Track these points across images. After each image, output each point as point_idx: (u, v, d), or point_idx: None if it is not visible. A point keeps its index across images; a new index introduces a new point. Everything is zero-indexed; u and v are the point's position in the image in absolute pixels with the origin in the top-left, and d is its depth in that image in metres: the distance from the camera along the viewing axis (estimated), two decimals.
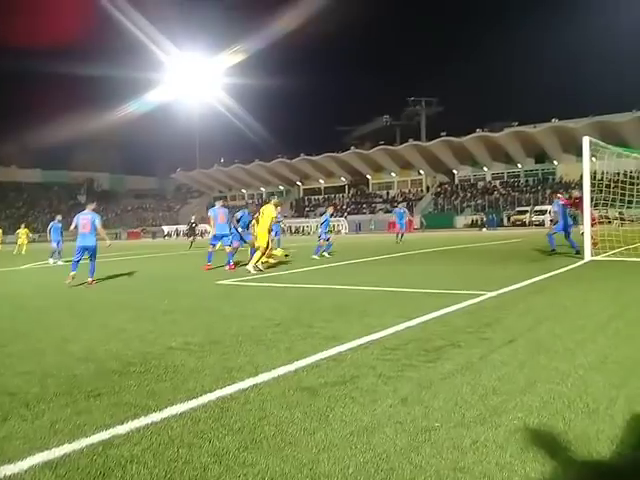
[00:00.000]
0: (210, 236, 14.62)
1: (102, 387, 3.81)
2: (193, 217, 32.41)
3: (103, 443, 2.85)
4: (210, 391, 3.62)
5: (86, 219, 11.05)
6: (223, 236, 13.93)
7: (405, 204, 50.48)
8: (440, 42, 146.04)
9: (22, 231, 28.47)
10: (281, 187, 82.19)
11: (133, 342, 5.24)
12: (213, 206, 14.56)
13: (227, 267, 13.27)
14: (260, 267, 12.48)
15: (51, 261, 19.08)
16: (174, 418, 3.17)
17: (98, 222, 11.07)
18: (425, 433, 2.84)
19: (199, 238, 34.50)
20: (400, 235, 25.29)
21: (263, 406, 3.31)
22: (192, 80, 76.59)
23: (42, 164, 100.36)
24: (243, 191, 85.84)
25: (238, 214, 14.30)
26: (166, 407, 3.35)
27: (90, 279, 11.00)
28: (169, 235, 64.80)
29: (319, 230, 17.45)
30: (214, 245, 14.28)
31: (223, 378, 3.92)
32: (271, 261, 13.75)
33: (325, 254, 16.54)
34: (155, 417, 3.19)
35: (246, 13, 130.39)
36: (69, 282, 10.63)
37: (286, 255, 15.60)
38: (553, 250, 14.36)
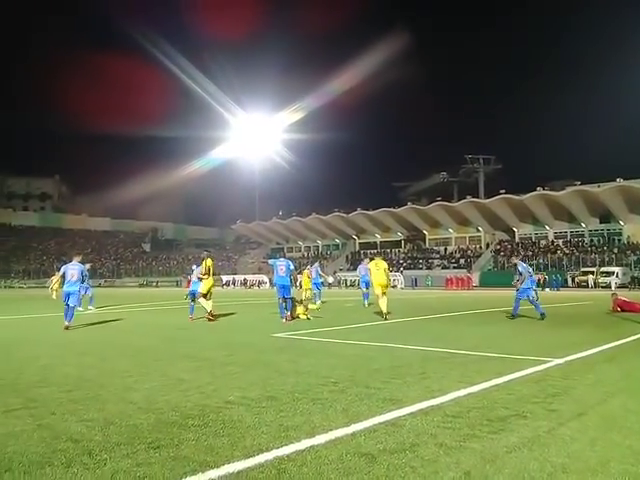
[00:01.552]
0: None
1: (162, 439, 3.85)
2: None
3: None
4: (267, 450, 3.59)
5: (74, 269, 12.54)
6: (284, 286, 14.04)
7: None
8: (499, 99, 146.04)
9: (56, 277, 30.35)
10: (337, 240, 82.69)
11: (192, 394, 5.29)
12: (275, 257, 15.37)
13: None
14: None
15: (91, 308, 19.07)
16: (231, 477, 3.16)
17: (85, 272, 12.93)
18: None
19: (256, 288, 34.32)
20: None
21: (320, 470, 3.25)
22: (254, 137, 79.85)
23: (111, 213, 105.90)
24: (300, 243, 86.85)
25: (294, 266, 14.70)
26: (224, 464, 3.33)
27: (67, 323, 12.01)
28: (227, 284, 65.93)
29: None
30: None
31: (280, 437, 3.88)
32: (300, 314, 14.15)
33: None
34: (213, 474, 3.19)
35: (305, 73, 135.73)
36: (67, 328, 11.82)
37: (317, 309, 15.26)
38: (514, 316, 14.19)
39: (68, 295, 12.37)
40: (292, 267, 14.38)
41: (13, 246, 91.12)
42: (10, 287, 66.47)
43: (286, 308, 13.89)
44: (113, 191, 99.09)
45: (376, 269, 14.86)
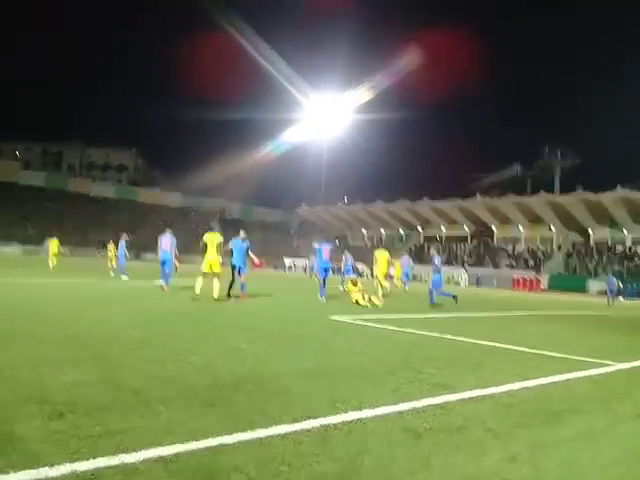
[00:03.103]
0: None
1: (216, 398, 4.02)
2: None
3: (211, 449, 3.00)
4: (314, 417, 3.68)
5: (167, 240, 14.79)
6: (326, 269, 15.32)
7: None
8: (583, 93, 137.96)
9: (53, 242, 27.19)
10: (401, 230, 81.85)
11: (248, 361, 5.48)
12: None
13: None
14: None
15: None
16: (278, 437, 3.26)
17: (174, 243, 14.87)
18: None
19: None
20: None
21: (365, 440, 3.31)
22: (323, 118, 79.85)
23: (183, 190, 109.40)
24: (363, 231, 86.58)
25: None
26: (272, 425, 3.45)
27: (165, 285, 14.19)
28: (290, 268, 66.88)
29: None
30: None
31: (328, 407, 3.96)
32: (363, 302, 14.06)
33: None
34: (261, 433, 3.30)
35: (376, 53, 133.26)
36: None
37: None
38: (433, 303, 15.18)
39: (163, 261, 14.55)
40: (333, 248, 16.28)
41: (91, 216, 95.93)
42: (85, 256, 70.14)
43: (322, 288, 14.94)
44: (186, 168, 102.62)
45: (381, 259, 16.89)
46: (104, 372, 4.62)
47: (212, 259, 12.63)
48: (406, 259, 24.74)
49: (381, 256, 16.93)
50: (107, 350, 5.63)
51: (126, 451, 2.88)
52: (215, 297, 12.23)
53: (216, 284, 12.38)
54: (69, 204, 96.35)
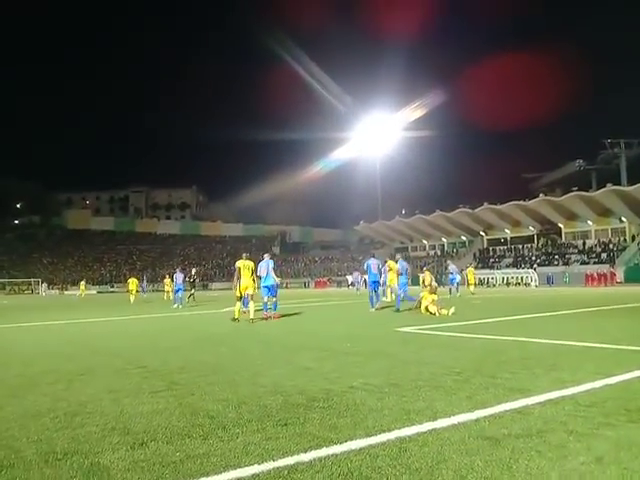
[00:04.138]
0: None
1: (289, 418, 4.06)
2: (194, 270, 31.92)
3: (288, 468, 3.03)
4: (389, 431, 3.65)
5: (262, 266, 13.84)
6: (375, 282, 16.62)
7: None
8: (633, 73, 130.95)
9: (131, 280, 31.19)
10: (463, 237, 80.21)
11: (317, 379, 5.50)
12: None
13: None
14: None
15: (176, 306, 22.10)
16: (353, 452, 3.25)
17: (271, 266, 14.06)
18: None
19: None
20: None
21: (441, 450, 3.24)
22: (375, 136, 79.92)
23: (242, 219, 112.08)
24: (424, 242, 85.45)
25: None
26: (346, 441, 3.45)
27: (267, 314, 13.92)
28: (353, 285, 66.72)
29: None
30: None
31: (401, 419, 3.92)
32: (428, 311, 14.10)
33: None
34: (336, 449, 3.31)
35: (427, 69, 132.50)
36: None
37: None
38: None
39: (267, 287, 13.96)
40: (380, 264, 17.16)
41: (159, 253, 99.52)
42: (156, 291, 72.52)
43: (377, 299, 16.57)
44: (243, 197, 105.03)
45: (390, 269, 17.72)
46: (180, 399, 4.76)
47: (247, 284, 13.44)
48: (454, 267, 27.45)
49: (391, 267, 17.89)
50: (180, 377, 5.81)
51: (207, 475, 2.96)
52: (252, 318, 12.93)
53: (251, 305, 13.20)
54: (138, 244, 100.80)
